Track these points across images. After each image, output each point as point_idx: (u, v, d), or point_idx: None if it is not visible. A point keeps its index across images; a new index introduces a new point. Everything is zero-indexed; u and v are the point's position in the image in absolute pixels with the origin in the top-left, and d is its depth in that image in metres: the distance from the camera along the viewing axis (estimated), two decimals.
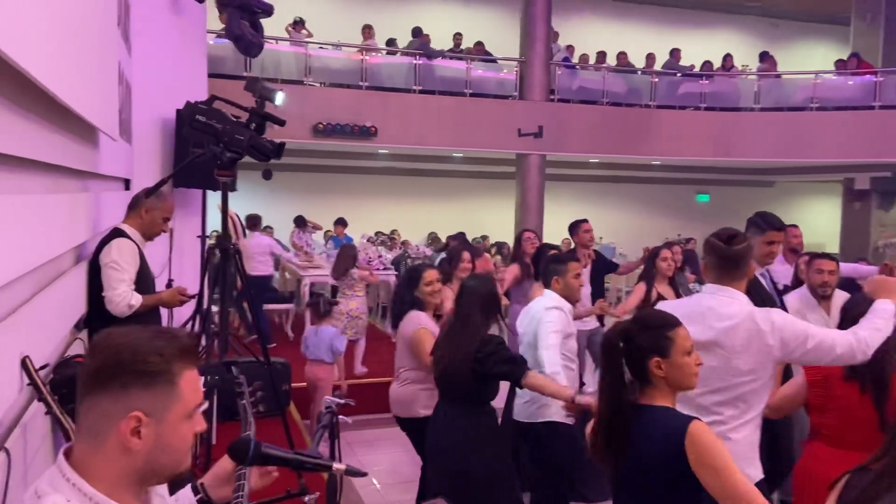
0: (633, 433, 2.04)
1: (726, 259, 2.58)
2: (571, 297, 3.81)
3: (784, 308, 3.63)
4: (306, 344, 5.57)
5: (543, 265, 4.07)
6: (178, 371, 1.25)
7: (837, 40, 16.64)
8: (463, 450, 3.22)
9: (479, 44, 13.01)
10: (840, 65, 13.54)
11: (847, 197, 14.66)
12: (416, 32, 12.48)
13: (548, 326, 3.52)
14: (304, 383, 5.77)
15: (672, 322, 2.10)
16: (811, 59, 16.29)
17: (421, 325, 3.86)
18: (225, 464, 1.60)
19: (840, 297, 4.23)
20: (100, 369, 1.21)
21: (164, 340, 1.25)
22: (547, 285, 3.82)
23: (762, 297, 3.55)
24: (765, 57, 13.97)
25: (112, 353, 1.21)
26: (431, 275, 4.00)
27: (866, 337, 2.43)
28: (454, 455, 3.24)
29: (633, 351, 2.07)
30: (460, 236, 7.98)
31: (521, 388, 3.25)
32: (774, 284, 3.99)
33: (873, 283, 2.67)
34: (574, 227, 6.23)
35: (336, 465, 1.66)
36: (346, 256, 7.16)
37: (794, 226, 6.31)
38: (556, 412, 3.53)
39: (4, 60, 1.51)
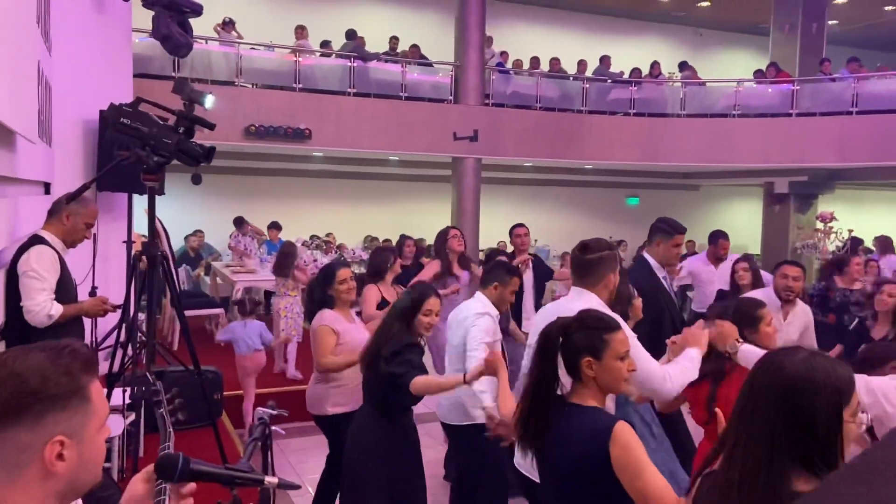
0: (559, 428, 2.07)
1: (581, 266, 2.91)
2: (501, 307, 3.84)
3: (682, 308, 4.03)
4: (235, 337, 5.77)
5: (492, 266, 4.07)
6: (87, 385, 1.22)
7: (757, 49, 17.35)
8: (366, 455, 3.21)
9: (415, 47, 13.02)
10: (759, 74, 14.11)
11: (767, 200, 15.24)
12: (350, 35, 12.40)
13: (477, 334, 3.53)
14: (238, 391, 5.72)
15: (611, 325, 2.13)
16: (733, 68, 16.93)
17: (322, 322, 3.87)
18: (135, 487, 1.51)
19: (801, 306, 4.50)
20: (7, 402, 1.15)
21: (67, 357, 1.21)
22: (484, 286, 3.83)
23: (665, 298, 3.93)
24: (685, 66, 14.48)
25: (17, 382, 1.15)
26: (345, 273, 4.02)
27: (675, 374, 2.69)
28: (355, 461, 3.24)
29: (569, 347, 2.11)
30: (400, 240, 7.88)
31: (409, 391, 3.16)
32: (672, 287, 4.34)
33: (682, 337, 2.87)
34: (510, 231, 6.37)
35: (268, 479, 1.64)
36: (287, 254, 7.12)
37: (726, 238, 6.61)
38: (479, 415, 3.51)
39: None
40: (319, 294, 4.00)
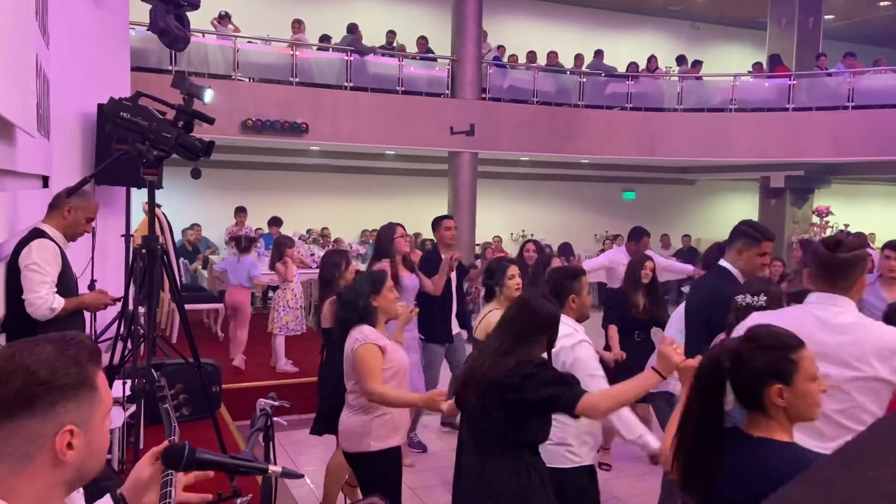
0: (740, 466, 1.76)
1: (833, 267, 2.41)
2: (583, 318, 3.30)
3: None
4: (228, 271, 7.14)
5: (550, 278, 3.46)
6: (93, 375, 1.25)
7: (754, 43, 17.38)
8: None
9: (423, 38, 13.03)
10: (756, 68, 14.13)
11: (763, 194, 15.30)
12: (351, 28, 12.38)
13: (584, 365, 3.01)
14: (238, 383, 5.76)
15: (794, 342, 1.82)
16: (730, 62, 16.96)
17: (368, 340, 3.25)
18: (141, 470, 1.56)
19: None
20: (19, 393, 1.17)
21: (74, 348, 1.24)
22: (562, 304, 3.18)
23: None
24: (682, 60, 14.50)
25: (28, 374, 1.18)
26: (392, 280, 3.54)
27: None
28: None
29: (746, 374, 1.77)
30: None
31: (575, 416, 2.52)
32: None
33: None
34: (436, 224, 5.81)
35: (272, 468, 1.66)
36: (278, 245, 7.21)
37: (648, 235, 6.60)
38: (586, 455, 3.06)
39: None
40: (364, 304, 3.34)
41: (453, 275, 5.66)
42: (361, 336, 3.26)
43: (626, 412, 2.86)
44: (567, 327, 3.02)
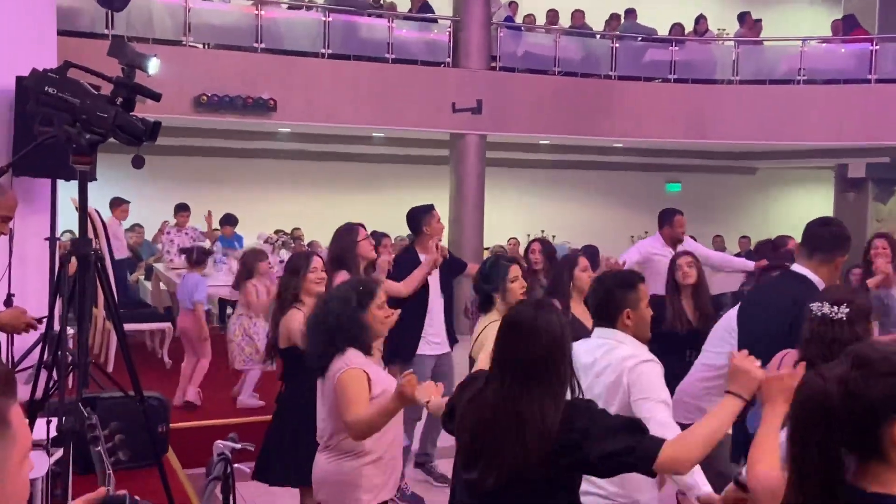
0: None
1: None
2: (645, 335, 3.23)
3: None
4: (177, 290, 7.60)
5: (608, 289, 3.28)
6: (6, 408, 1.26)
7: (828, 1, 17.40)
8: None
9: None
10: (837, 25, 14.10)
11: (840, 186, 15.35)
12: None
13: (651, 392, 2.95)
14: (187, 422, 5.79)
15: None
16: (798, 22, 16.98)
17: (351, 365, 3.22)
18: None
19: None
20: None
21: None
22: (614, 320, 3.12)
23: None
24: (744, 18, 14.48)
25: None
26: (384, 294, 3.49)
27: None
28: None
29: (859, 410, 1.63)
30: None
31: (652, 474, 2.40)
32: None
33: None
34: (421, 217, 5.89)
35: None
36: (248, 260, 7.16)
37: (681, 213, 6.67)
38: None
39: None
40: (353, 326, 3.31)
41: (434, 277, 5.65)
42: (344, 362, 3.24)
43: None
44: (626, 347, 2.99)
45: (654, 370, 2.94)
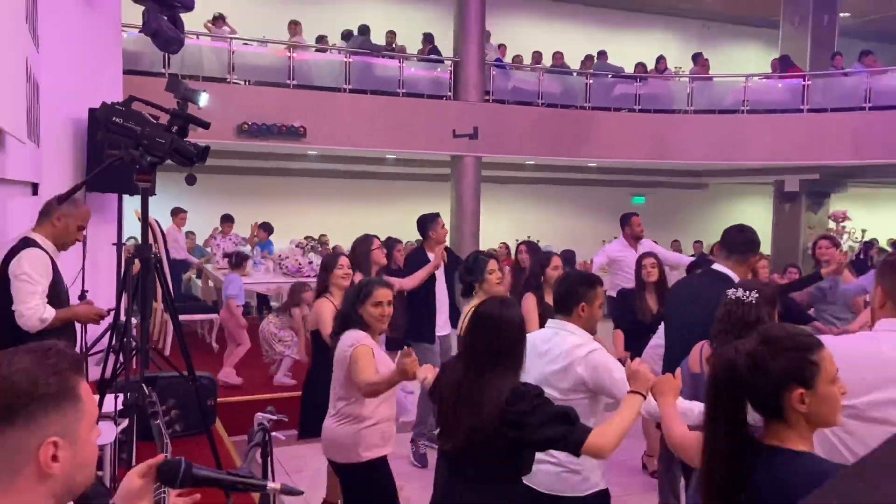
0: (760, 481, 1.70)
1: None
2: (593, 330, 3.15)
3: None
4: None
5: (571, 284, 3.14)
6: (76, 384, 1.26)
7: (767, 42, 17.39)
8: None
9: (428, 35, 13.05)
10: (775, 63, 14.08)
11: (778, 199, 15.31)
12: (363, 30, 12.46)
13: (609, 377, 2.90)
14: (231, 397, 5.79)
15: (813, 341, 1.75)
16: (742, 61, 16.98)
17: (361, 342, 3.29)
18: (132, 481, 1.53)
19: None
20: (1, 404, 1.18)
21: (54, 358, 1.24)
22: (570, 312, 3.03)
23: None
24: (697, 58, 14.48)
25: (6, 385, 1.18)
26: (383, 294, 3.40)
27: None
28: None
29: (765, 379, 1.70)
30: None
31: (578, 455, 2.43)
32: None
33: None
34: (429, 223, 5.84)
35: (270, 485, 1.67)
36: (296, 292, 7.03)
37: (636, 214, 6.91)
38: (600, 479, 2.95)
39: None
40: (347, 309, 3.43)
41: (440, 271, 5.68)
42: (355, 339, 3.31)
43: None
44: (576, 336, 2.94)
45: (601, 355, 2.88)
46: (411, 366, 2.95)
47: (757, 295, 2.79)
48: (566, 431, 2.37)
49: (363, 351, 3.26)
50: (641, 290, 5.29)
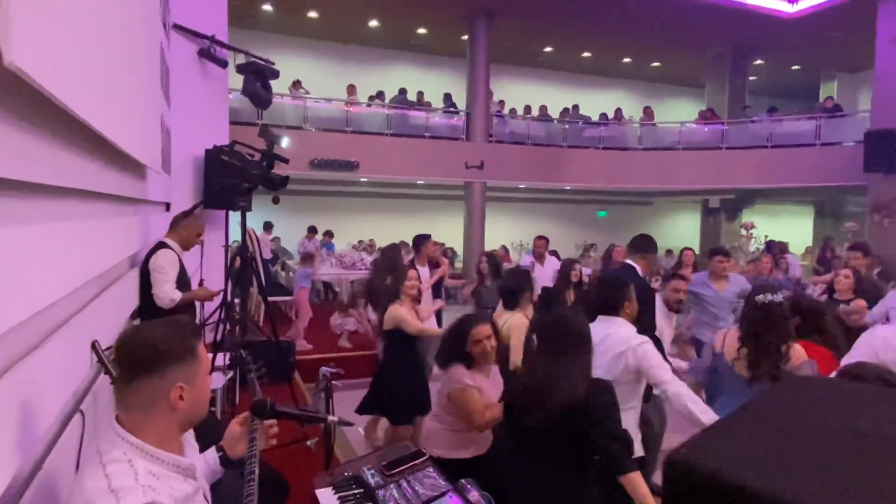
0: None
1: None
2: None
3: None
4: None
5: (610, 290, 2.75)
6: (196, 345, 1.29)
7: (696, 98, 17.21)
8: None
9: (447, 95, 13.06)
10: (702, 113, 13.97)
11: (704, 213, 15.13)
12: (402, 91, 12.60)
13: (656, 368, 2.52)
14: (305, 356, 5.81)
15: None
16: (678, 112, 16.79)
17: (465, 382, 2.56)
18: (233, 428, 1.56)
19: None
20: (144, 359, 1.21)
21: (181, 327, 1.28)
22: (618, 310, 2.65)
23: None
24: (646, 110, 14.39)
25: (149, 346, 1.22)
26: (483, 331, 2.61)
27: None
28: None
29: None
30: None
31: (616, 477, 2.06)
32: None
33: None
34: (423, 241, 5.23)
35: (330, 418, 1.70)
36: (355, 296, 6.95)
37: (540, 238, 6.35)
38: (639, 448, 2.55)
39: (90, 128, 1.53)
40: (451, 347, 2.64)
41: (427, 274, 5.19)
42: (459, 376, 2.64)
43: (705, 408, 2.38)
44: (627, 328, 2.61)
45: (649, 347, 2.54)
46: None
47: (782, 297, 2.60)
48: (624, 455, 2.04)
49: (468, 392, 2.56)
50: (566, 288, 4.82)
